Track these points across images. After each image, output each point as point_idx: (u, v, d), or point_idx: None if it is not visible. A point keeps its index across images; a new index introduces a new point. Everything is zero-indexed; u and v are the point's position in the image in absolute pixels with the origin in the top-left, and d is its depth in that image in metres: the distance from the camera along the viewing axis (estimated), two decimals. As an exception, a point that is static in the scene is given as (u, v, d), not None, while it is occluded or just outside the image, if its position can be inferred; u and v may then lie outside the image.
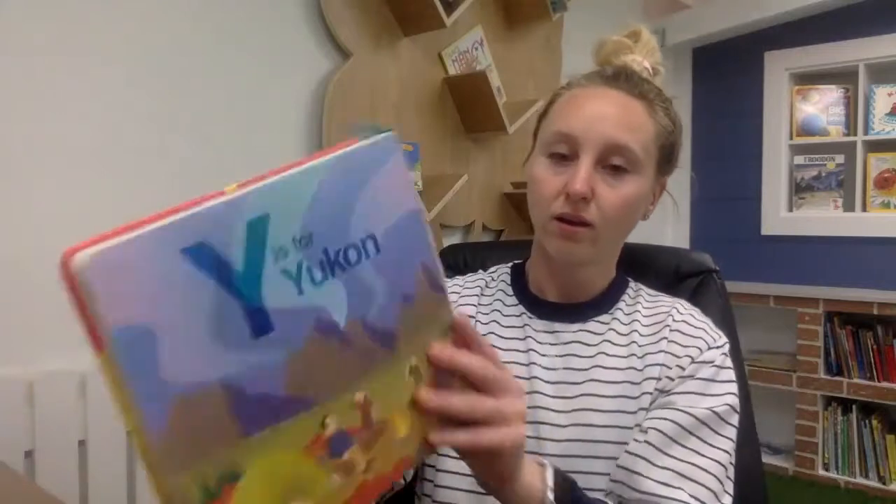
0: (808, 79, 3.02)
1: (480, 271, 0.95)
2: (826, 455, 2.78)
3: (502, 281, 0.91)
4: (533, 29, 2.31)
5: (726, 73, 3.13)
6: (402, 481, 0.76)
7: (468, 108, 2.05)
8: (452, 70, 2.04)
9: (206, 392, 0.37)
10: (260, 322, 0.39)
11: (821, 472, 2.77)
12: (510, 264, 0.93)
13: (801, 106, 3.02)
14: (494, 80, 2.04)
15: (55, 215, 1.31)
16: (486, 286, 0.91)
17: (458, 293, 0.90)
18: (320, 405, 0.42)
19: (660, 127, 0.78)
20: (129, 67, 1.40)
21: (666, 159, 0.81)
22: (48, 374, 1.27)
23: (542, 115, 0.84)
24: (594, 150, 0.74)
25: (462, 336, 0.51)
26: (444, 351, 0.49)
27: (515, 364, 0.81)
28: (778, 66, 3.02)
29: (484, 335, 0.79)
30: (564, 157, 0.76)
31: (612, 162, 0.75)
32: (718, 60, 3.16)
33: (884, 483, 2.66)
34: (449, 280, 0.87)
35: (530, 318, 0.84)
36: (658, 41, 2.93)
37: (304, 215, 0.40)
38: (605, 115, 0.75)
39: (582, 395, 0.78)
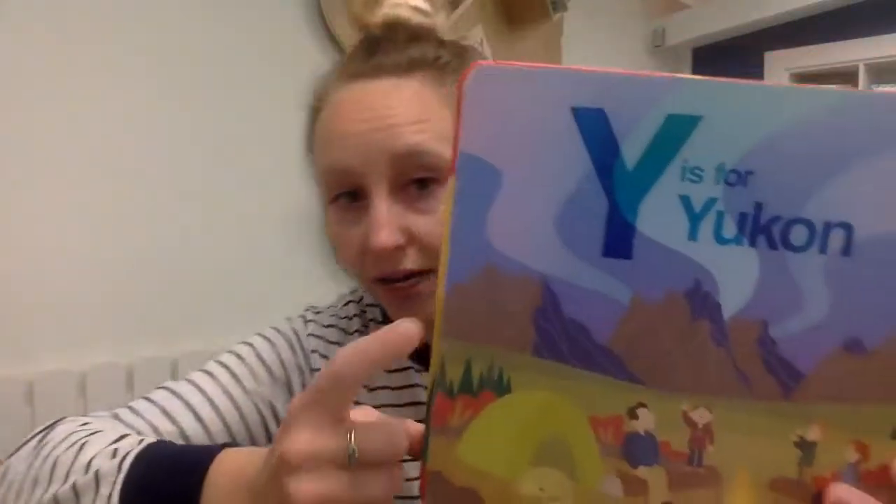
0: (809, 79, 3.02)
1: (352, 302, 0.69)
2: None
3: (359, 318, 0.66)
4: (533, 29, 2.31)
5: (726, 73, 3.11)
6: None
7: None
8: (452, 70, 2.04)
9: (521, 279, 0.31)
10: (619, 240, 0.30)
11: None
12: (358, 290, 0.69)
13: (801, 106, 3.01)
14: (494, 80, 2.04)
15: (55, 216, 1.31)
16: (340, 328, 0.67)
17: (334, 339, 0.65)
18: (641, 388, 0.31)
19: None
20: (127, 69, 1.40)
21: None
22: (48, 374, 1.28)
23: (309, 147, 0.62)
24: (382, 177, 0.53)
25: None
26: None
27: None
28: (778, 66, 3.02)
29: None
30: (354, 194, 0.55)
31: (414, 177, 0.53)
32: (718, 60, 3.16)
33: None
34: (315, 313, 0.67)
35: (419, 371, 0.62)
36: (657, 41, 2.88)
37: (756, 146, 0.29)
38: (376, 125, 0.53)
39: None
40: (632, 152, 0.30)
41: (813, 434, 0.31)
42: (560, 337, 0.31)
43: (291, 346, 0.63)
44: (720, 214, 0.30)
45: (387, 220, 0.52)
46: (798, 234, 0.30)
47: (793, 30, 2.90)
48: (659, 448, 0.32)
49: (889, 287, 0.30)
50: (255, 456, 0.41)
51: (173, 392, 0.59)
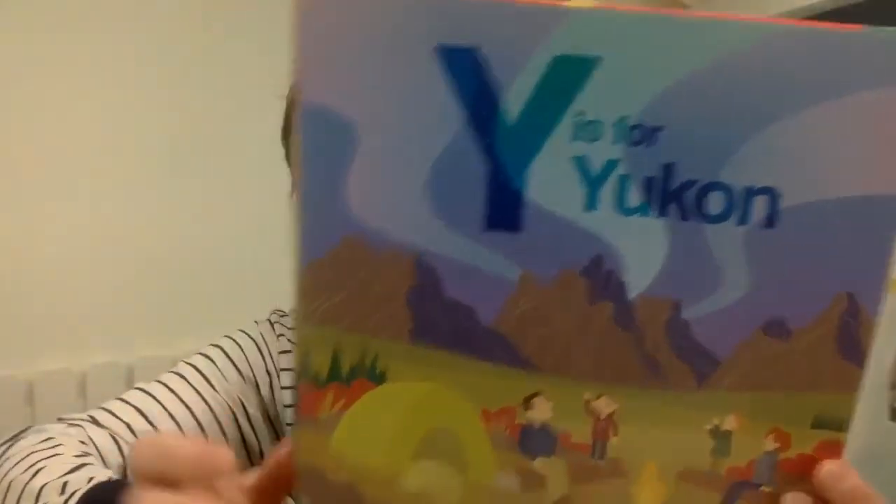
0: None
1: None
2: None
3: None
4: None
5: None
6: None
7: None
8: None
9: (390, 254, 0.26)
10: (504, 209, 0.26)
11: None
12: None
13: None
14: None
15: (55, 217, 1.32)
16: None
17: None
18: (536, 374, 0.28)
19: None
20: (129, 71, 1.40)
21: None
22: (48, 374, 1.28)
23: (286, 135, 0.63)
24: None
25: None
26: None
27: None
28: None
29: None
30: None
31: None
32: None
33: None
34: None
35: None
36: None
37: (663, 95, 0.25)
38: None
39: None
40: (514, 103, 0.25)
41: (728, 424, 0.28)
42: (440, 320, 0.27)
43: (259, 349, 0.65)
44: (623, 179, 0.25)
45: None
46: (715, 202, 0.26)
47: (793, 30, 2.89)
48: (557, 440, 0.28)
49: (817, 262, 0.26)
50: None
51: (147, 393, 0.60)
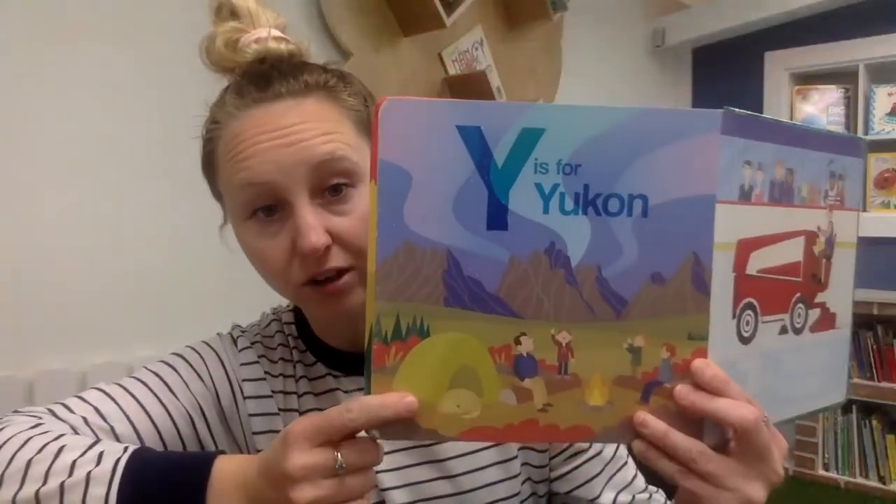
0: (808, 79, 3.02)
1: (274, 321, 0.73)
2: (826, 455, 2.78)
3: (281, 333, 0.70)
4: (533, 29, 2.31)
5: (726, 73, 3.13)
6: None
7: (468, 108, 2.05)
8: (452, 70, 2.05)
9: (431, 250, 0.42)
10: (497, 217, 0.42)
11: (821, 471, 2.77)
12: (278, 310, 0.74)
13: (801, 106, 3.02)
14: (494, 80, 2.05)
15: (55, 218, 1.32)
16: (265, 345, 0.70)
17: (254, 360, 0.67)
18: (522, 321, 0.44)
19: (352, 111, 0.60)
20: (128, 70, 1.40)
21: None
22: (48, 373, 1.28)
23: (209, 171, 0.66)
24: (302, 187, 0.57)
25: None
26: (690, 394, 0.44)
27: None
28: (778, 66, 3.02)
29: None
30: (271, 208, 0.58)
31: (330, 184, 0.57)
32: (718, 61, 3.16)
33: (884, 483, 2.66)
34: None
35: (336, 377, 0.66)
36: (657, 41, 2.84)
37: (580, 147, 0.42)
38: (288, 139, 0.56)
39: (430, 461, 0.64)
40: (500, 155, 0.42)
41: (638, 342, 0.44)
42: (462, 290, 0.43)
43: (221, 361, 0.67)
44: (562, 195, 0.43)
45: (314, 222, 0.56)
46: (613, 204, 0.43)
47: (793, 30, 2.90)
48: (538, 364, 0.44)
49: (674, 235, 0.43)
50: (247, 463, 0.47)
51: (105, 393, 0.61)
